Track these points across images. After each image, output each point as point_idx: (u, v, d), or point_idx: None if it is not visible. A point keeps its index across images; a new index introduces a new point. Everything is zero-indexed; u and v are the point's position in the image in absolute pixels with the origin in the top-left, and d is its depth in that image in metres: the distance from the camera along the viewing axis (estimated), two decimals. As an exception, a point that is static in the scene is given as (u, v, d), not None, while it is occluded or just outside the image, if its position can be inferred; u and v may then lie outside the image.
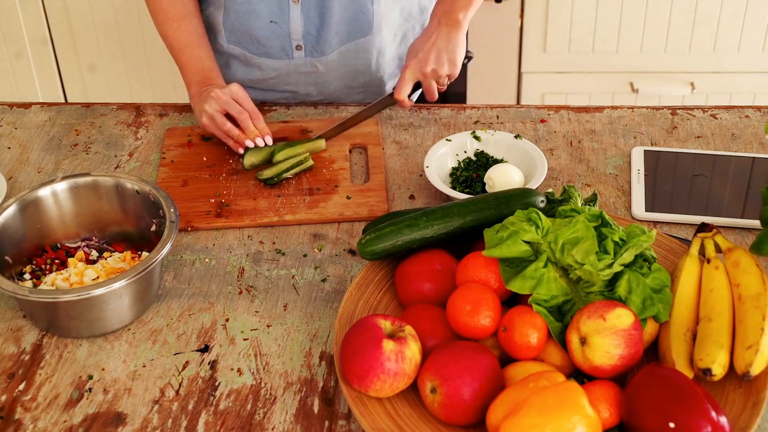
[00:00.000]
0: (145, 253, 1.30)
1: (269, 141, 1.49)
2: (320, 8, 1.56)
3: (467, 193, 1.41)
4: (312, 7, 1.56)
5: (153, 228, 1.31)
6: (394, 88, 1.58)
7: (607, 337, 1.04)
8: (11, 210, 1.27)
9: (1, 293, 1.26)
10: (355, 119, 1.57)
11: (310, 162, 1.49)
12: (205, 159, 1.53)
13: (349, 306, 1.19)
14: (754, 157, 1.50)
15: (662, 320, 1.10)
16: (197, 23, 1.58)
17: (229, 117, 1.50)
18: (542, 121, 1.61)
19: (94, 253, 1.33)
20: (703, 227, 1.21)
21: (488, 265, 1.14)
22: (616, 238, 1.12)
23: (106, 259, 1.30)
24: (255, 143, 1.48)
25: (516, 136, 1.49)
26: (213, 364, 1.18)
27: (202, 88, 1.54)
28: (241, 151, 1.49)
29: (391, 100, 1.58)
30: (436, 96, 1.59)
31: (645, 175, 1.46)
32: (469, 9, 1.53)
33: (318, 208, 1.42)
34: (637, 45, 2.59)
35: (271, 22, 1.57)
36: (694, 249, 1.19)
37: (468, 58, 1.60)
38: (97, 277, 1.25)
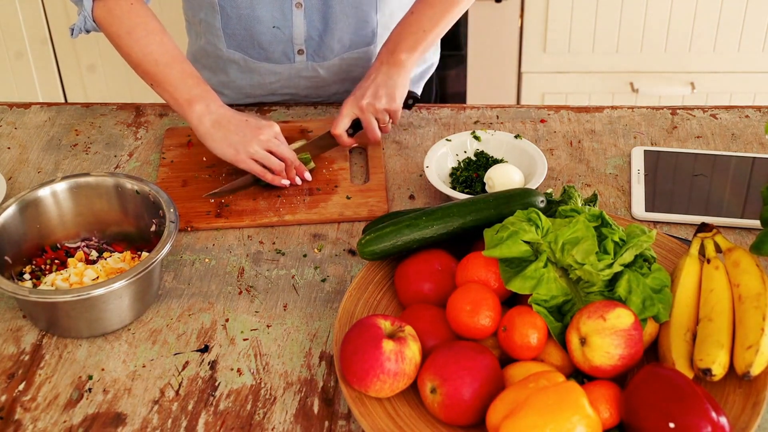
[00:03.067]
0: (145, 253, 1.30)
1: (299, 181, 1.46)
2: (323, 13, 1.56)
3: (467, 193, 1.41)
4: (315, 12, 1.55)
5: (153, 228, 1.31)
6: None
7: (607, 337, 1.04)
8: (11, 210, 1.27)
9: (1, 293, 1.26)
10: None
11: (312, 164, 1.49)
12: (204, 159, 1.53)
13: (349, 306, 1.19)
14: (754, 157, 1.50)
15: (662, 320, 1.10)
16: (171, 37, 1.49)
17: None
18: (542, 121, 1.61)
19: (94, 254, 1.33)
20: (703, 227, 1.21)
21: (488, 265, 1.14)
22: (616, 238, 1.12)
23: (105, 259, 1.30)
24: (294, 182, 1.46)
25: (516, 136, 1.49)
26: (213, 365, 1.18)
27: (211, 107, 1.42)
28: (286, 182, 1.45)
29: (330, 139, 1.52)
30: (378, 134, 1.51)
31: (645, 175, 1.46)
32: (415, 51, 1.50)
33: (318, 208, 1.42)
34: (637, 45, 2.59)
35: (274, 27, 1.57)
36: (694, 249, 1.19)
37: (413, 98, 1.56)
38: (97, 278, 1.25)
